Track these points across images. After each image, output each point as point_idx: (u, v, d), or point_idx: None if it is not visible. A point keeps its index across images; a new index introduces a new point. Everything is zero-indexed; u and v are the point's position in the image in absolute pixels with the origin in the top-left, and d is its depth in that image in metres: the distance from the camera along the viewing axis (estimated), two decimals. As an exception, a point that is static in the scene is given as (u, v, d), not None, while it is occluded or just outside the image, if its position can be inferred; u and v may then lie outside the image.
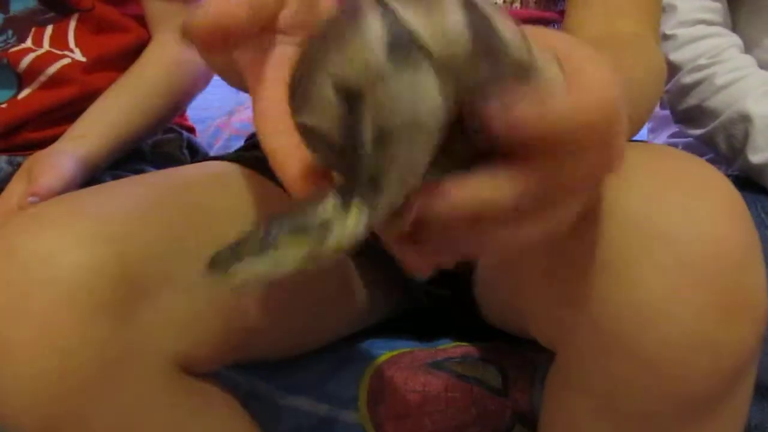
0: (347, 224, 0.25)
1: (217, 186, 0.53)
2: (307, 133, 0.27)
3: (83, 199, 0.46)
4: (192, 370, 0.47)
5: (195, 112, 0.96)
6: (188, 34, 0.29)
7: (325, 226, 0.25)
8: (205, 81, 0.86)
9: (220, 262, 0.26)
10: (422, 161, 0.26)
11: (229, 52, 0.31)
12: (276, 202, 0.55)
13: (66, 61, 0.78)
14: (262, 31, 0.32)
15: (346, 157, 0.25)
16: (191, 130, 0.92)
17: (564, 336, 0.43)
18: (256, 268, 0.26)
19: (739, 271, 0.37)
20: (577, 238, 0.39)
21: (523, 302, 0.49)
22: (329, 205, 0.26)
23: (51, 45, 0.78)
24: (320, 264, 0.26)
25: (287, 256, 0.25)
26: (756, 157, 0.73)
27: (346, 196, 0.25)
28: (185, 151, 0.86)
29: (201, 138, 0.97)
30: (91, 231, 0.41)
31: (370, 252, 0.60)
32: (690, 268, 0.36)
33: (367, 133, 0.24)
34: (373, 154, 0.25)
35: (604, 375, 0.40)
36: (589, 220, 0.39)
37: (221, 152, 0.86)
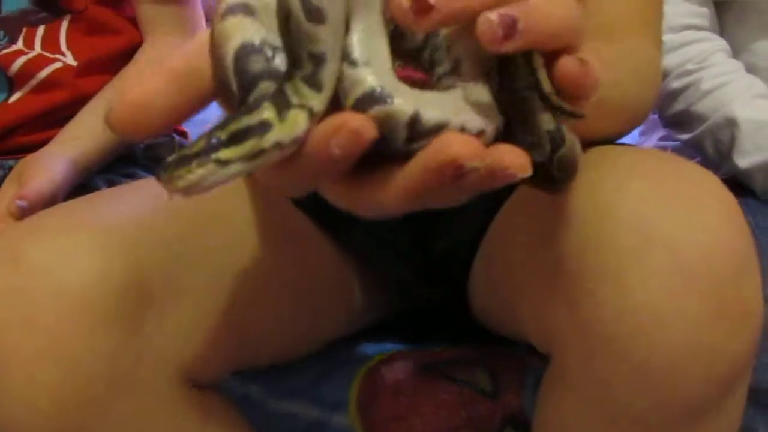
0: (288, 121, 0.27)
1: (217, 191, 0.53)
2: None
3: (87, 207, 0.45)
4: (195, 380, 0.47)
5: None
6: (107, 120, 0.27)
7: (264, 126, 0.27)
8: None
9: (168, 169, 0.27)
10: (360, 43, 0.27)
11: (162, 132, 0.29)
12: (276, 205, 0.55)
13: (57, 65, 0.78)
14: (202, 104, 0.29)
15: (282, 34, 0.27)
16: (183, 134, 0.92)
17: (558, 340, 0.43)
18: (201, 171, 0.27)
19: (737, 279, 0.37)
20: (574, 241, 0.40)
21: (519, 305, 0.49)
22: (268, 110, 0.27)
23: (43, 47, 0.78)
24: (263, 163, 0.27)
25: (230, 158, 0.27)
26: (743, 161, 0.73)
27: (284, 103, 0.27)
28: (177, 155, 0.86)
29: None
30: (98, 240, 0.41)
31: (366, 253, 0.60)
32: (688, 275, 0.36)
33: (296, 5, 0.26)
34: (307, 22, 0.26)
35: (596, 379, 0.40)
36: (585, 222, 0.39)
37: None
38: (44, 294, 0.39)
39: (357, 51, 0.27)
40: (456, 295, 0.61)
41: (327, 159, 0.26)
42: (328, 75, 0.27)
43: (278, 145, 0.27)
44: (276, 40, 0.28)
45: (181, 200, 0.49)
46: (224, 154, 0.27)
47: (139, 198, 0.48)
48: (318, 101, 0.27)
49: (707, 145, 0.77)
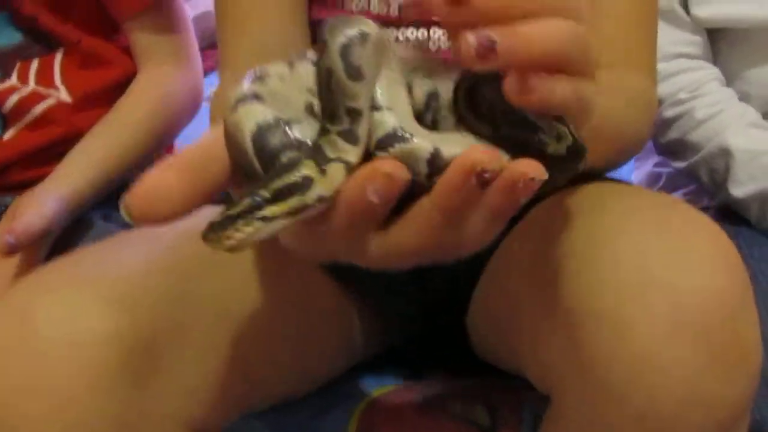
0: (327, 175, 0.29)
1: None
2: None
3: (93, 260, 0.45)
4: (201, 430, 0.46)
5: (186, 142, 0.95)
6: (126, 211, 0.29)
7: (306, 181, 0.29)
8: (192, 113, 0.85)
9: (215, 229, 0.29)
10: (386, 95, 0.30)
11: (178, 220, 0.30)
12: (276, 245, 0.55)
13: (52, 101, 0.78)
14: (216, 192, 0.30)
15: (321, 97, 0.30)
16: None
17: (557, 381, 0.43)
18: (248, 230, 0.29)
19: (733, 322, 0.37)
20: (571, 284, 0.40)
21: (519, 345, 0.49)
22: (307, 166, 0.29)
23: (37, 82, 0.78)
24: (305, 217, 0.29)
25: (275, 214, 0.29)
26: (737, 191, 0.73)
27: (321, 158, 0.29)
28: (173, 186, 0.86)
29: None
30: (104, 297, 0.41)
31: (375, 299, 0.60)
32: (685, 320, 0.36)
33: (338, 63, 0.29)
34: (347, 79, 0.29)
35: (596, 423, 0.40)
36: (583, 266, 0.39)
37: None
38: (50, 355, 0.39)
39: (380, 97, 0.30)
40: (454, 327, 0.60)
41: (364, 209, 0.28)
42: (363, 128, 0.29)
43: (321, 199, 0.29)
44: (288, 116, 0.30)
45: (184, 245, 0.49)
46: (270, 211, 0.29)
47: (144, 245, 0.48)
48: (354, 154, 0.29)
49: (702, 174, 0.77)
